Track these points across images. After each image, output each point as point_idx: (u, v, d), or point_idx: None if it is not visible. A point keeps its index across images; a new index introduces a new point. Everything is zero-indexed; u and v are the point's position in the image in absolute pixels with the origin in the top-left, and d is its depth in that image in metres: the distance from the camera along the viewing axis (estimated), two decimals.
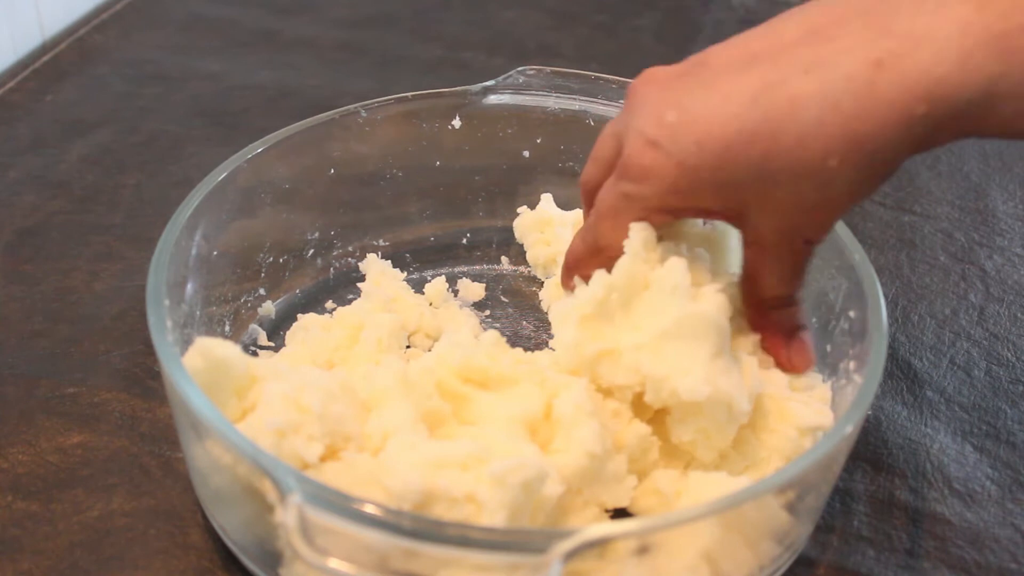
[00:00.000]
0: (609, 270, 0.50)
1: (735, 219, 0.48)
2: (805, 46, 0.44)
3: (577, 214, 0.67)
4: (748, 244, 0.49)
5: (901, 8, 0.42)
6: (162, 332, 0.47)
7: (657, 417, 0.52)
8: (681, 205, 0.48)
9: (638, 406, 0.51)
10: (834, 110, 0.42)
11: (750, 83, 0.44)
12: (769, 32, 0.46)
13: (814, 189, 0.44)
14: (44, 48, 0.91)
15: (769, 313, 0.51)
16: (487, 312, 0.65)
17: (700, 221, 0.55)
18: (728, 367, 0.49)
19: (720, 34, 0.98)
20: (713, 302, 0.50)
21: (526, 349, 0.56)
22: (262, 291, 0.63)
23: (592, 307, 0.50)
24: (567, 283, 0.54)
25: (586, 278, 0.51)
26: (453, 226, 0.70)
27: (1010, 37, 0.40)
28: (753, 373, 0.51)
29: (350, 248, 0.68)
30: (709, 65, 0.46)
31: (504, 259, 0.69)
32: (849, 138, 0.42)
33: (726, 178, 0.45)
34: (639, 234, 0.51)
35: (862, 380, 0.49)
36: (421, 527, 0.40)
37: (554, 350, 0.53)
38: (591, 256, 0.52)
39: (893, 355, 0.63)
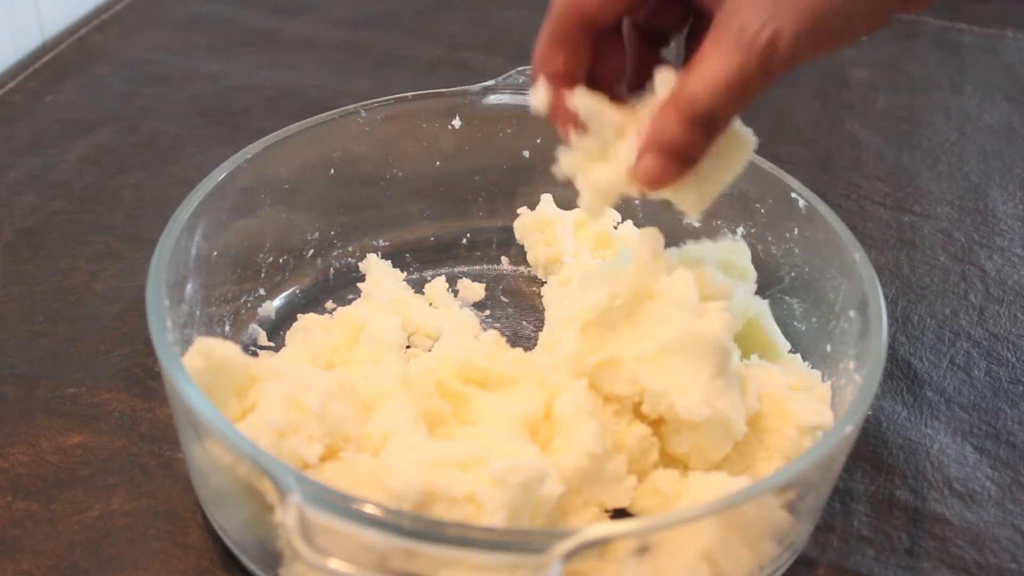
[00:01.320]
0: None
1: None
2: None
3: (577, 214, 0.67)
4: (712, 27, 0.45)
5: None
6: (162, 332, 0.47)
7: (658, 419, 0.52)
8: None
9: (638, 410, 0.51)
10: None
11: None
12: None
13: None
14: (44, 48, 0.91)
15: (672, 110, 0.46)
16: (487, 312, 0.65)
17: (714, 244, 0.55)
18: (727, 387, 0.49)
19: None
20: (719, 321, 0.49)
21: (526, 349, 0.56)
22: (262, 291, 0.63)
23: (595, 314, 0.51)
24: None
25: None
26: (453, 226, 0.70)
27: None
28: (752, 390, 0.51)
29: (350, 248, 0.68)
30: None
31: (504, 259, 0.69)
32: None
33: None
34: (648, 242, 0.51)
35: (862, 380, 0.49)
36: (421, 527, 0.40)
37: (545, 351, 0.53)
38: None
39: (893, 355, 0.63)
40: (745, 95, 0.44)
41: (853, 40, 0.45)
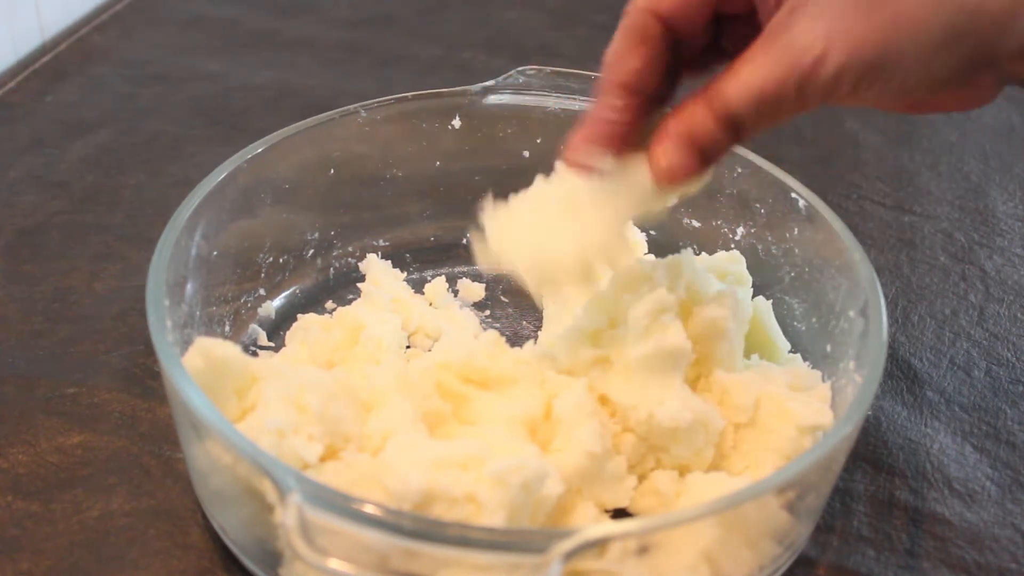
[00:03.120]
0: None
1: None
2: None
3: None
4: (765, 31, 0.44)
5: None
6: (162, 332, 0.47)
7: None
8: None
9: (626, 424, 0.52)
10: None
11: None
12: None
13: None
14: (44, 48, 0.91)
15: (700, 114, 0.45)
16: (487, 312, 0.65)
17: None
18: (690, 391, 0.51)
19: None
20: (674, 331, 0.50)
21: None
22: (262, 291, 0.63)
23: (590, 325, 0.52)
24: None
25: None
26: (453, 226, 0.70)
27: None
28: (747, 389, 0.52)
29: (350, 248, 0.68)
30: None
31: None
32: None
33: None
34: (672, 269, 0.52)
35: (862, 380, 0.49)
36: (421, 527, 0.40)
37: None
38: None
39: (893, 355, 0.63)
40: (777, 111, 0.44)
41: (896, 97, 0.44)
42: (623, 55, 0.47)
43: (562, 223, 0.49)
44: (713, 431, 0.50)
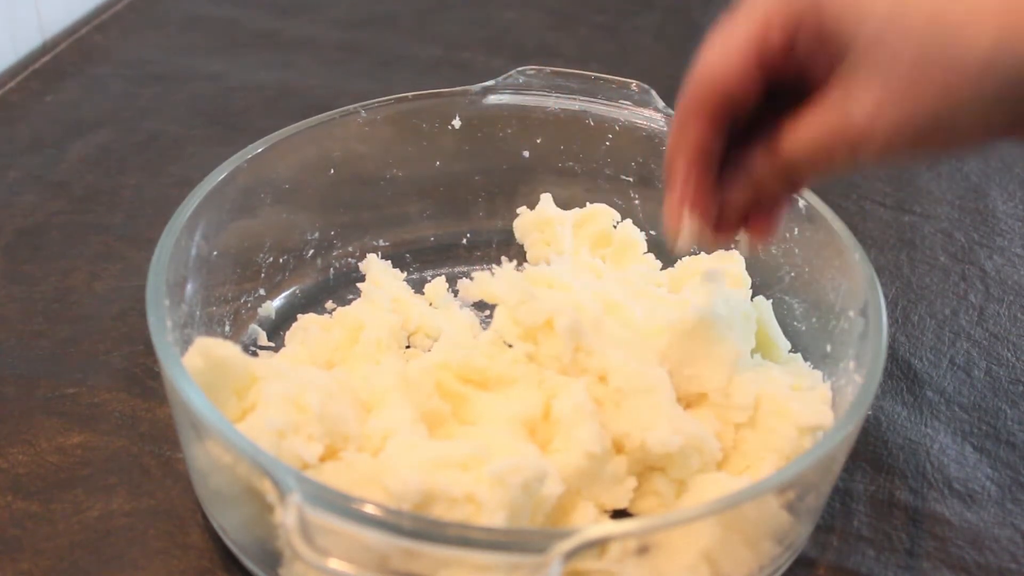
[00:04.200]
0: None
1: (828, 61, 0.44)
2: None
3: (577, 213, 0.67)
4: (828, 84, 0.44)
5: None
6: (162, 332, 0.47)
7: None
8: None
9: (619, 446, 0.52)
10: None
11: None
12: None
13: (945, 59, 0.40)
14: (44, 48, 0.91)
15: (763, 170, 0.47)
16: (487, 312, 0.65)
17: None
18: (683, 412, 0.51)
19: None
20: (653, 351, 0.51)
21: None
22: (262, 291, 0.63)
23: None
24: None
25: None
26: (453, 226, 0.70)
27: None
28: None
29: (350, 248, 0.68)
30: None
31: (504, 259, 0.69)
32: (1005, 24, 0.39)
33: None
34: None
35: (862, 380, 0.49)
36: (421, 527, 0.40)
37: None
38: None
39: (893, 355, 0.63)
40: (828, 163, 0.44)
41: (955, 150, 0.45)
42: (690, 127, 0.47)
43: None
44: (708, 453, 0.50)
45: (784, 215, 0.50)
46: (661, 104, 0.66)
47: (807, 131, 0.44)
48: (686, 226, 0.48)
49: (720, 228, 0.49)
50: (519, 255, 0.69)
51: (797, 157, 0.45)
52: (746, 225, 0.49)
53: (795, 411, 0.51)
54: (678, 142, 0.48)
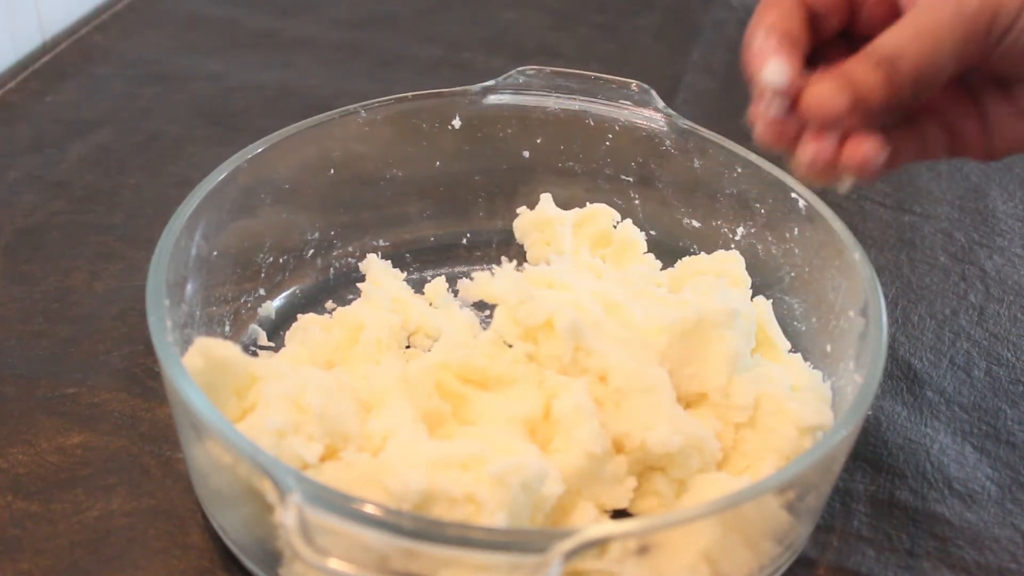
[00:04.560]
0: None
1: None
2: None
3: (577, 213, 0.67)
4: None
5: None
6: (162, 332, 0.47)
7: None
8: None
9: (619, 446, 0.52)
10: None
11: None
12: None
13: None
14: (44, 48, 0.91)
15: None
16: (487, 312, 0.65)
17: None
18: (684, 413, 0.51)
19: (720, 34, 0.99)
20: (652, 350, 0.51)
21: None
22: (262, 291, 0.63)
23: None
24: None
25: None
26: (453, 226, 0.70)
27: None
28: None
29: (350, 248, 0.68)
30: None
31: (504, 259, 0.69)
32: None
33: None
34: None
35: (862, 380, 0.49)
36: (421, 527, 0.40)
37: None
38: None
39: (893, 355, 0.63)
40: (934, 55, 0.42)
41: None
42: (770, 10, 0.45)
43: None
44: (708, 453, 0.50)
45: (895, 156, 0.46)
46: (661, 104, 0.66)
47: (912, 19, 0.42)
48: (768, 92, 0.44)
49: (816, 138, 0.45)
50: (519, 255, 0.69)
51: (899, 41, 0.42)
52: (848, 154, 0.45)
53: (795, 411, 0.51)
54: (757, 22, 0.45)
